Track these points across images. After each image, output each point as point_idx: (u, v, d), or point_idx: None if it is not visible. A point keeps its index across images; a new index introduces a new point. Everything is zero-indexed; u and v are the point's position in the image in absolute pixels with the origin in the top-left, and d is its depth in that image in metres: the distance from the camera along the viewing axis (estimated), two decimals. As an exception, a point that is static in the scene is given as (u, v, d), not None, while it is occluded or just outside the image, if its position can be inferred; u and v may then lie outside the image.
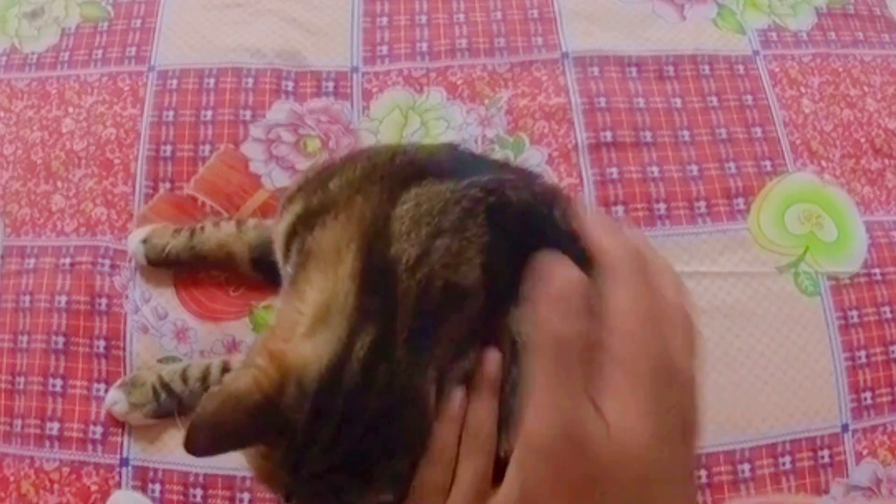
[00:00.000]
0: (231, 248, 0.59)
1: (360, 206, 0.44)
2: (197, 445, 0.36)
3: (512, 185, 0.48)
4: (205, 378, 0.56)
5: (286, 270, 0.47)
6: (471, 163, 0.56)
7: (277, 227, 0.51)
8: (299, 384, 0.36)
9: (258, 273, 0.60)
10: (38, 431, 0.58)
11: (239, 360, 0.56)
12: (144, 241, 0.60)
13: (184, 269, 0.61)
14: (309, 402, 0.36)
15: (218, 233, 0.60)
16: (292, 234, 0.48)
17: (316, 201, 0.48)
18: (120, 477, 0.57)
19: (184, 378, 0.57)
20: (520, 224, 0.45)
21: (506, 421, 0.38)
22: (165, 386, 0.57)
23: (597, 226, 0.35)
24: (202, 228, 0.61)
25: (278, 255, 0.50)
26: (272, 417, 0.36)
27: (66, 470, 0.57)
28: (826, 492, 0.59)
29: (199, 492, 0.56)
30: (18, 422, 0.58)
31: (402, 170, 0.48)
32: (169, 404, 0.56)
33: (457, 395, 0.38)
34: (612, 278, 0.32)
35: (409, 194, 0.44)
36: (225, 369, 0.56)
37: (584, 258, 0.38)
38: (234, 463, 0.54)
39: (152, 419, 0.57)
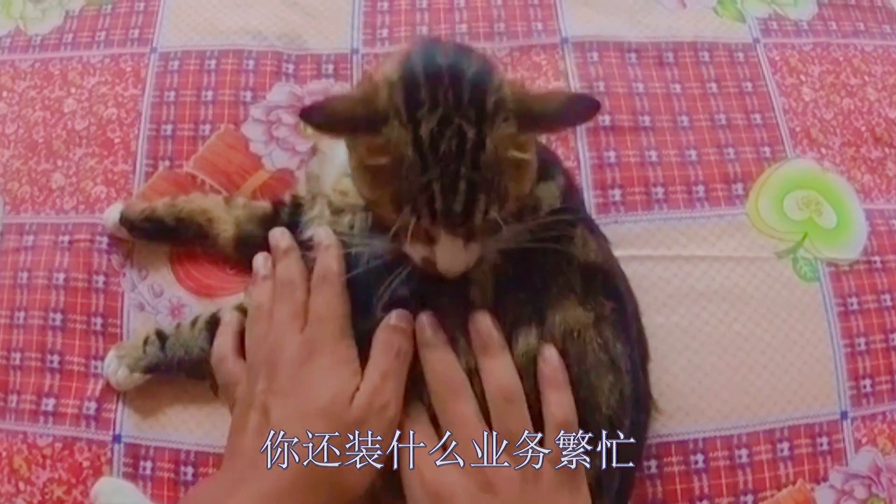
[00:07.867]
0: (213, 215, 0.59)
1: None
2: (311, 116, 0.44)
3: None
4: (193, 324, 0.56)
5: None
6: None
7: None
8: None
9: (239, 254, 0.59)
10: (34, 407, 0.58)
11: (229, 310, 0.56)
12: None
13: (167, 239, 0.61)
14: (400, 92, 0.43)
15: (204, 199, 0.61)
16: None
17: None
18: (112, 453, 0.57)
19: (176, 326, 0.57)
20: None
21: None
22: (158, 332, 0.56)
23: None
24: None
25: None
26: (371, 111, 0.43)
27: (58, 445, 0.57)
28: (825, 479, 0.58)
29: (189, 469, 0.56)
30: (14, 397, 0.58)
31: None
32: (154, 354, 0.56)
33: None
34: None
35: None
36: (213, 318, 0.56)
37: None
38: (224, 441, 0.55)
39: (137, 373, 0.56)
